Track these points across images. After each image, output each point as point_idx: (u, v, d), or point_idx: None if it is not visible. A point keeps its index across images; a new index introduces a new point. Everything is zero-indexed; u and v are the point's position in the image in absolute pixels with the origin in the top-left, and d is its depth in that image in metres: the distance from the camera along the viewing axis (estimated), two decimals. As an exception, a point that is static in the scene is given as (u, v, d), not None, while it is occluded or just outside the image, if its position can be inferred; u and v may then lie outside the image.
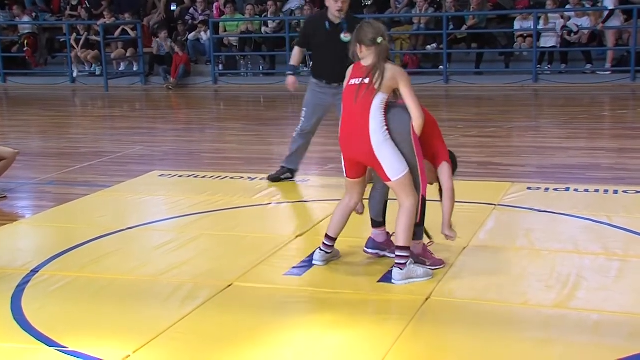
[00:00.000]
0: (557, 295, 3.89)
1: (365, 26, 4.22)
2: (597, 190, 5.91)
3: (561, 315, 3.69)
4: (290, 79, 6.46)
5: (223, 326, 3.67)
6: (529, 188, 6.03)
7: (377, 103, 4.10)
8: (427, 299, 3.88)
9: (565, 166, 7.09)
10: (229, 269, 4.39)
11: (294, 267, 4.41)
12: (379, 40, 4.13)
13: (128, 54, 15.68)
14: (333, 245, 4.44)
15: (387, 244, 4.47)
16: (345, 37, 5.80)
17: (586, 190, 5.93)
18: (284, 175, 6.52)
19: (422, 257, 4.29)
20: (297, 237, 4.98)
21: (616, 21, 13.01)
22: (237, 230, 5.24)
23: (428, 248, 4.36)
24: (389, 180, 4.12)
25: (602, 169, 6.93)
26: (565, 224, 5.17)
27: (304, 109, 6.45)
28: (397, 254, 4.13)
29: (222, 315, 3.79)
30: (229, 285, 4.15)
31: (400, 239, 4.13)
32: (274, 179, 6.49)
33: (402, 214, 4.14)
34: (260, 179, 6.64)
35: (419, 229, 4.27)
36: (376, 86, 4.09)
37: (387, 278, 4.18)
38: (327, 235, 4.42)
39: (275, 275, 4.32)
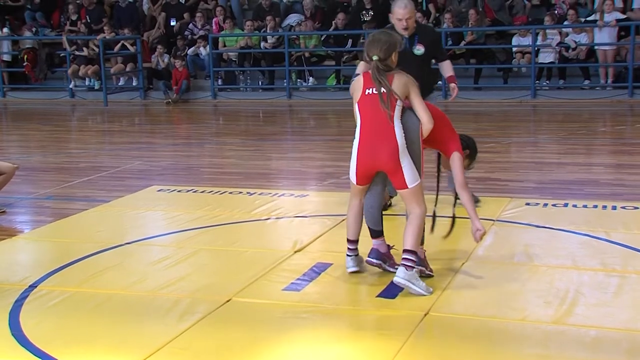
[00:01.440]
0: (555, 311, 3.89)
1: (369, 41, 4.34)
2: (595, 206, 5.91)
3: (560, 332, 3.68)
4: None
5: (221, 341, 3.66)
6: (527, 204, 6.04)
7: (398, 110, 4.23)
8: (425, 315, 3.88)
9: (563, 182, 7.11)
10: (227, 284, 4.38)
11: (292, 283, 4.40)
12: (374, 57, 4.26)
13: (127, 69, 15.72)
14: (357, 248, 4.52)
15: (388, 256, 4.48)
16: (418, 49, 5.71)
17: (584, 206, 5.94)
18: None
19: (423, 263, 4.39)
20: (295, 252, 4.97)
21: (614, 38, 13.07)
22: (236, 245, 5.23)
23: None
24: (406, 187, 4.22)
25: (600, 185, 6.94)
26: (563, 239, 5.18)
27: None
28: (405, 256, 4.17)
29: (221, 330, 3.78)
30: (228, 301, 4.15)
31: (408, 243, 4.19)
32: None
33: (412, 220, 4.23)
34: (259, 194, 6.64)
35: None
36: (395, 95, 4.21)
37: (386, 293, 4.18)
38: (348, 240, 4.50)
39: (274, 290, 4.31)
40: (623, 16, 13.10)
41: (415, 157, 4.26)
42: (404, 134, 4.22)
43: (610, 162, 8.20)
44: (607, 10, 12.92)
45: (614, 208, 5.84)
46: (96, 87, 15.65)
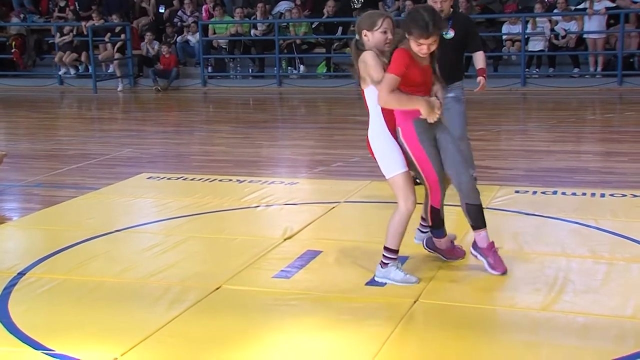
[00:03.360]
0: (544, 298, 3.90)
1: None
2: (584, 194, 5.94)
3: (548, 318, 3.70)
4: None
5: (211, 329, 3.66)
6: (517, 191, 6.05)
7: (369, 94, 4.10)
8: (415, 302, 3.89)
9: (553, 169, 7.13)
10: (217, 272, 4.38)
11: (282, 270, 4.40)
12: (356, 36, 4.15)
13: (117, 56, 15.64)
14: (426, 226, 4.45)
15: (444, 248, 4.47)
16: (447, 33, 5.68)
17: (574, 194, 5.96)
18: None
19: (447, 253, 4.42)
20: (285, 239, 4.97)
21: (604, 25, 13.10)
22: (225, 232, 5.23)
23: (454, 244, 4.46)
24: (384, 176, 4.16)
25: (589, 173, 6.96)
26: (553, 227, 5.19)
27: None
28: (383, 253, 4.16)
29: (210, 318, 3.78)
30: (218, 288, 4.15)
31: (388, 240, 4.16)
32: None
33: (394, 215, 4.16)
34: (249, 182, 6.63)
35: (434, 231, 4.35)
36: (361, 85, 4.13)
37: (376, 281, 4.18)
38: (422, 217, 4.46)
39: (264, 277, 4.32)
40: (612, 4, 13.12)
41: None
42: (379, 121, 4.09)
43: (599, 150, 8.23)
44: (596, -2, 12.94)
45: (603, 196, 5.86)
46: (71, 75, 15.57)
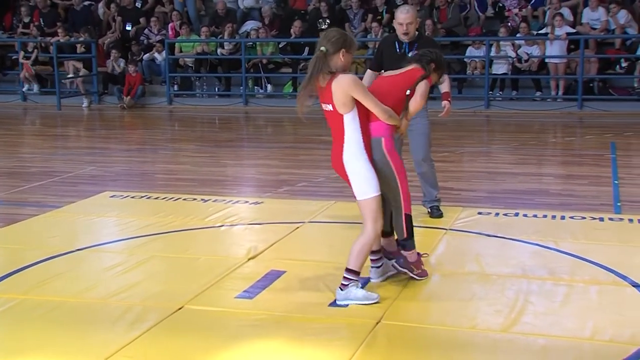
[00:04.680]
0: (505, 319, 3.95)
1: (323, 33, 4.20)
2: (545, 216, 6.02)
3: (509, 340, 3.74)
4: None
5: (172, 350, 3.64)
6: (479, 213, 6.12)
7: (349, 119, 4.13)
8: (377, 323, 3.90)
9: (515, 191, 7.22)
10: (179, 292, 4.36)
11: (245, 290, 4.39)
12: (322, 48, 4.10)
13: (81, 73, 15.52)
14: (379, 258, 4.51)
15: (395, 254, 4.51)
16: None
17: (535, 216, 6.04)
18: None
19: (412, 266, 4.46)
20: (249, 259, 4.97)
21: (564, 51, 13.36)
22: (189, 252, 5.21)
23: (421, 258, 4.53)
24: (356, 197, 4.18)
25: (550, 195, 7.07)
26: (514, 248, 5.26)
27: None
28: (344, 275, 4.17)
29: (172, 338, 3.76)
30: (180, 308, 4.12)
31: (350, 262, 4.17)
32: None
33: (360, 237, 4.18)
34: (214, 201, 6.61)
35: (409, 241, 4.42)
36: (338, 110, 4.12)
37: (335, 303, 4.19)
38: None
39: (226, 298, 4.30)
40: (573, 30, 13.40)
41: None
42: (358, 144, 4.13)
43: (560, 173, 8.36)
44: (557, 24, 13.20)
45: (563, 218, 5.95)
46: (34, 91, 15.41)
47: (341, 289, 4.17)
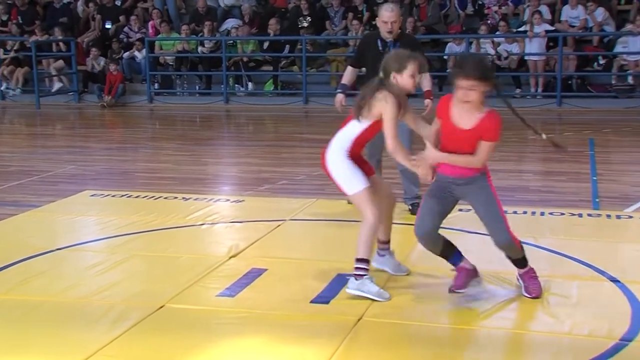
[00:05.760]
0: (484, 315, 3.98)
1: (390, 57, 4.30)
2: (525, 212, 6.07)
3: (488, 335, 3.77)
4: (339, 97, 6.06)
5: (154, 348, 3.63)
6: (460, 210, 6.13)
7: (354, 124, 4.24)
8: (359, 320, 3.92)
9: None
10: (161, 291, 4.35)
11: (227, 288, 4.40)
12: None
13: (55, 72, 15.42)
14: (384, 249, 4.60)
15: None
16: None
17: (515, 212, 6.08)
18: None
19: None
20: (230, 257, 4.97)
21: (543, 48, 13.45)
22: (170, 251, 5.20)
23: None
24: (345, 194, 4.30)
25: (530, 191, 7.12)
26: (494, 245, 5.28)
27: None
28: (355, 265, 4.19)
29: (154, 337, 3.76)
30: (161, 307, 4.12)
31: (359, 251, 4.20)
32: None
33: (362, 226, 4.23)
34: (195, 200, 6.60)
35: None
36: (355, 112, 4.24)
37: (320, 298, 4.21)
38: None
39: (208, 296, 4.30)
40: (552, 28, 13.51)
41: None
42: (344, 146, 4.22)
43: (539, 170, 8.42)
44: (536, 22, 13.30)
45: (542, 214, 6.00)
46: (11, 94, 15.25)
47: (356, 279, 4.17)
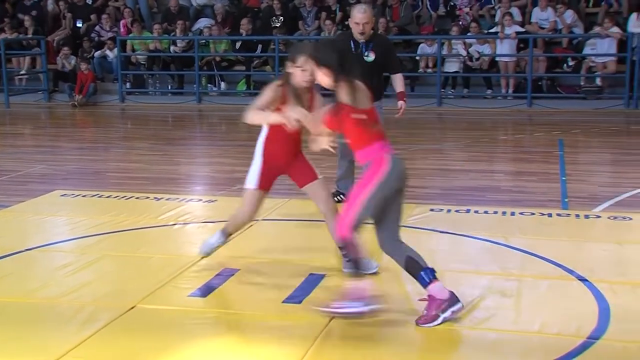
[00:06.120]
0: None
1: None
2: (496, 212, 6.12)
3: (459, 334, 3.80)
4: None
5: (125, 349, 3.61)
6: (432, 209, 6.19)
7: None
8: (331, 320, 3.92)
9: (466, 188, 7.32)
10: (132, 291, 4.33)
11: (198, 289, 4.38)
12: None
13: (24, 71, 15.26)
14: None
15: None
16: (367, 56, 5.81)
17: (486, 212, 6.14)
18: (337, 197, 6.21)
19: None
20: (202, 258, 4.95)
21: (514, 49, 13.58)
22: (141, 251, 5.17)
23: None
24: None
25: (501, 192, 7.18)
26: (466, 245, 5.34)
27: None
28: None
29: (125, 338, 3.73)
30: (132, 308, 4.09)
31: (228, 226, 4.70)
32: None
33: (236, 211, 4.70)
34: (167, 200, 6.57)
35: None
36: None
37: (292, 298, 4.21)
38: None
39: (179, 296, 4.28)
40: (522, 29, 13.64)
41: None
42: (259, 144, 4.48)
43: (510, 170, 8.50)
44: (507, 23, 13.42)
45: (513, 214, 6.06)
46: None
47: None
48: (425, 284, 3.87)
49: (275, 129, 4.36)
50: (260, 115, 4.28)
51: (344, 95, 3.79)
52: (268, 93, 4.29)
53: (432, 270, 3.89)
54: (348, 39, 5.97)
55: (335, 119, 3.86)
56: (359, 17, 5.83)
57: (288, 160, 4.50)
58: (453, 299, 3.85)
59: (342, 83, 3.81)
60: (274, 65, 14.18)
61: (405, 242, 3.99)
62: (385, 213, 3.91)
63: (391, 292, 4.34)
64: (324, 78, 3.86)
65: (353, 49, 5.87)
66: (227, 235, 4.80)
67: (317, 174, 4.54)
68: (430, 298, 3.86)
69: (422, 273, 3.87)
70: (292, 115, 4.09)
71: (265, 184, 4.54)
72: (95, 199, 6.68)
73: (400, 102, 6.02)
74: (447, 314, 3.82)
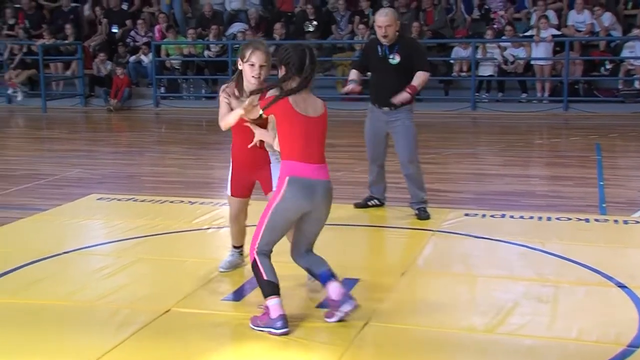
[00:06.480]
0: (491, 320, 3.96)
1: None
2: (531, 217, 6.05)
3: (495, 341, 3.76)
4: (351, 85, 5.96)
5: (159, 352, 3.63)
6: (466, 214, 6.14)
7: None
8: (365, 325, 3.91)
9: (501, 193, 7.25)
10: (167, 294, 4.35)
11: (232, 293, 4.40)
12: None
13: (70, 73, 15.45)
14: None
15: None
16: (392, 58, 5.80)
17: (521, 217, 6.07)
18: (371, 201, 6.27)
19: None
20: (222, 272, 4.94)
21: (550, 52, 13.43)
22: (176, 255, 5.20)
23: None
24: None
25: (536, 196, 7.10)
26: (501, 250, 5.28)
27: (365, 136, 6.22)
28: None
29: (159, 341, 3.75)
30: (167, 311, 4.12)
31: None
32: (361, 205, 6.26)
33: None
34: (200, 204, 6.60)
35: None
36: None
37: (326, 303, 4.19)
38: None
39: (213, 300, 4.30)
40: (558, 32, 13.48)
41: None
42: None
43: (546, 174, 8.40)
44: (543, 26, 13.28)
45: (549, 219, 5.98)
46: (19, 98, 15.20)
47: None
48: (326, 280, 3.91)
49: (238, 137, 4.40)
50: (225, 118, 4.23)
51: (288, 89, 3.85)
52: (221, 101, 4.34)
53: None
54: (375, 44, 5.96)
55: (271, 105, 3.87)
56: (381, 20, 5.83)
57: (253, 168, 4.48)
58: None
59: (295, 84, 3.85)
60: (307, 69, 14.17)
61: (310, 252, 4.03)
62: (296, 227, 3.96)
63: (429, 298, 4.30)
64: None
65: (380, 53, 5.87)
66: (236, 248, 4.80)
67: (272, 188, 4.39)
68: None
69: (320, 273, 3.94)
70: (244, 106, 4.04)
71: (237, 191, 4.57)
72: (131, 202, 6.74)
73: (403, 92, 5.78)
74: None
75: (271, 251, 3.94)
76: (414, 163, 6.02)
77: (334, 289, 3.90)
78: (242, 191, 4.59)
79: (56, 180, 8.08)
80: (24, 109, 15.21)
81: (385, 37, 5.81)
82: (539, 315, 4.03)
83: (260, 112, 3.93)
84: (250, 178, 4.55)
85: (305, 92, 3.90)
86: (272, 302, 3.80)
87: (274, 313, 3.78)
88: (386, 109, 5.94)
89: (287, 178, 3.83)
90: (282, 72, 3.94)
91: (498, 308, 4.11)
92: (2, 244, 5.54)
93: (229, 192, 4.62)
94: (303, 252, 4.02)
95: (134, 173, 8.72)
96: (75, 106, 15.33)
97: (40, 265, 4.95)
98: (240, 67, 4.33)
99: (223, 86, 4.42)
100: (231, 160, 4.58)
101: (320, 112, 3.93)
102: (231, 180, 4.59)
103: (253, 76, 4.26)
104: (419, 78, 5.85)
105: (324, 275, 3.94)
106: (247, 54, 4.25)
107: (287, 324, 3.77)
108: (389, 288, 4.44)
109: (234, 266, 4.77)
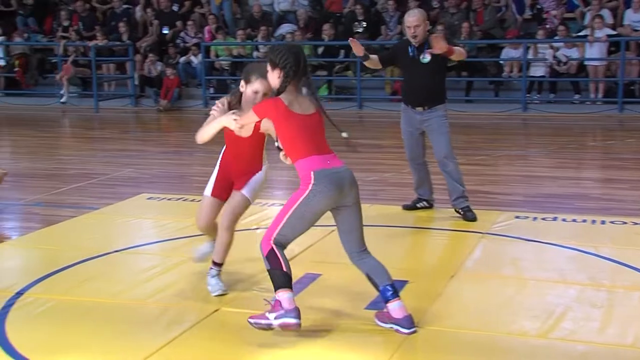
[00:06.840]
0: (543, 324, 3.89)
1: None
2: (584, 221, 5.93)
3: (547, 346, 3.68)
4: (362, 52, 5.84)
5: (208, 351, 3.65)
6: (517, 217, 6.05)
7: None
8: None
9: (553, 195, 7.12)
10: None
11: (280, 293, 4.38)
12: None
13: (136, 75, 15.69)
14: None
15: None
16: (424, 57, 5.79)
17: (574, 220, 5.95)
18: (419, 203, 6.26)
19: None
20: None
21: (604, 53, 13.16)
22: (224, 254, 5.21)
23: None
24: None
25: (590, 199, 6.96)
26: (552, 253, 5.18)
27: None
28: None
29: (208, 340, 3.77)
30: (216, 310, 4.13)
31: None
32: (409, 207, 6.26)
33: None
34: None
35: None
36: None
37: (374, 305, 4.16)
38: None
39: (261, 301, 4.28)
40: (614, 32, 13.20)
41: None
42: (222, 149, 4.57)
43: (599, 177, 8.23)
44: (597, 26, 13.01)
45: (603, 223, 5.85)
46: (63, 99, 15.40)
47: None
48: (387, 299, 3.79)
49: (230, 144, 4.52)
50: (204, 129, 4.29)
51: (283, 95, 3.78)
52: (211, 111, 4.42)
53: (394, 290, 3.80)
54: (406, 44, 5.96)
55: (265, 108, 3.82)
56: (409, 20, 5.82)
57: (239, 174, 4.49)
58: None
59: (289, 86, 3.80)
60: (356, 70, 14.16)
61: (369, 255, 3.91)
62: (338, 228, 3.90)
63: (479, 302, 4.24)
64: (275, 80, 3.85)
65: (410, 54, 5.84)
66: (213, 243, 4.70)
67: (245, 189, 4.45)
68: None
69: (382, 289, 3.81)
70: (230, 115, 4.08)
71: (218, 192, 4.52)
72: (180, 202, 6.80)
73: (443, 41, 5.62)
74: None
75: (286, 247, 3.88)
76: (450, 159, 5.98)
77: (394, 310, 3.80)
78: (223, 193, 4.54)
79: (107, 179, 8.20)
80: (76, 109, 15.49)
81: (414, 37, 5.80)
82: (592, 321, 3.95)
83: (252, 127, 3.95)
84: (232, 182, 4.55)
85: (295, 93, 3.86)
86: (287, 294, 3.73)
87: (289, 305, 3.70)
88: (419, 109, 5.92)
89: (311, 173, 3.79)
90: (275, 74, 3.85)
91: (550, 312, 4.03)
92: (55, 242, 5.64)
93: (208, 192, 4.53)
94: (359, 252, 3.92)
95: (184, 173, 8.80)
96: (126, 106, 15.56)
97: (91, 264, 5.02)
98: (242, 89, 4.27)
99: (222, 99, 4.39)
100: (218, 164, 4.58)
101: (313, 110, 3.91)
102: (216, 181, 4.55)
103: (255, 102, 4.19)
104: (458, 49, 5.74)
105: (386, 294, 3.82)
106: (253, 79, 4.22)
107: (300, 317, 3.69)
108: (438, 290, 4.39)
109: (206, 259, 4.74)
